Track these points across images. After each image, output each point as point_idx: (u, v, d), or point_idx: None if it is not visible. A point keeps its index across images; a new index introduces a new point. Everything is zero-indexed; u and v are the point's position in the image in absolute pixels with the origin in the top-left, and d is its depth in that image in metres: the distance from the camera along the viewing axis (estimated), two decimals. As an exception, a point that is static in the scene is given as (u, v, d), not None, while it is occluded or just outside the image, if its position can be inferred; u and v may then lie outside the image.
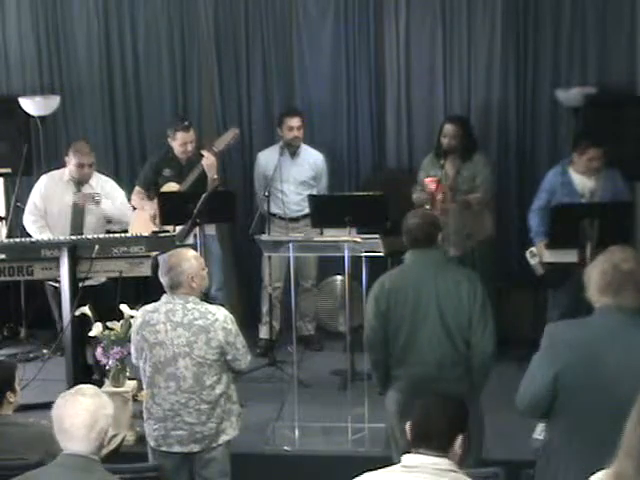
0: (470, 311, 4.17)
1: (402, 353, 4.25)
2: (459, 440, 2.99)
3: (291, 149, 6.63)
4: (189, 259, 4.23)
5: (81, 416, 2.94)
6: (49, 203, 6.19)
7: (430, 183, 6.10)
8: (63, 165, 6.24)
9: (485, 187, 6.34)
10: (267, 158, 6.69)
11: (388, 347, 4.27)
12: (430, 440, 2.96)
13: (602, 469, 2.50)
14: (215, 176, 6.36)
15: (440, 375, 4.17)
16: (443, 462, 2.94)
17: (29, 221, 6.22)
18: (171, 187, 6.40)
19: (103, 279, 5.92)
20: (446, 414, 3.02)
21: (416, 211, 4.66)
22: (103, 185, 6.21)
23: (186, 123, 6.49)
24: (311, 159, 6.71)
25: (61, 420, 2.96)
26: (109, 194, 6.20)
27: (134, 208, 6.49)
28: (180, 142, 6.42)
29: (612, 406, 3.10)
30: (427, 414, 3.04)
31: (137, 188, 6.58)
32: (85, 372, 5.83)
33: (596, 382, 3.19)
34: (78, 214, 6.15)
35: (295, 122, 6.57)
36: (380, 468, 2.99)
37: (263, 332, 6.76)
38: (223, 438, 4.26)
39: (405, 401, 4.21)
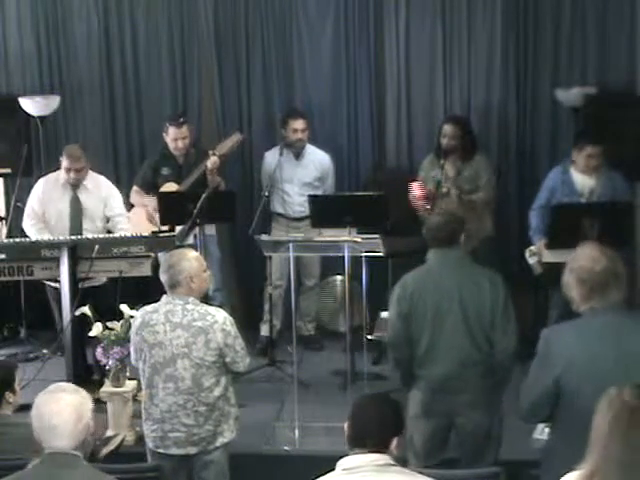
0: (493, 310, 4.18)
1: (425, 353, 4.24)
2: (394, 442, 2.95)
3: (295, 150, 6.63)
4: (189, 259, 4.23)
5: (66, 412, 2.94)
6: (47, 206, 6.14)
7: (416, 189, 6.13)
8: (59, 167, 6.20)
9: (488, 188, 6.35)
10: (272, 158, 6.68)
11: (411, 346, 4.27)
12: (364, 441, 2.93)
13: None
14: (218, 178, 6.36)
15: (463, 374, 4.18)
16: (382, 457, 2.90)
17: (28, 225, 6.18)
18: (170, 187, 6.40)
19: (104, 279, 5.91)
20: (380, 416, 2.98)
21: (438, 210, 4.66)
22: (100, 187, 6.14)
23: (181, 120, 6.49)
24: (317, 160, 6.70)
25: (47, 418, 2.94)
26: (107, 199, 6.13)
27: (132, 206, 6.49)
28: (171, 137, 6.44)
29: None
30: (361, 415, 3.02)
31: (135, 187, 6.58)
32: (85, 372, 5.84)
33: (596, 382, 3.19)
34: (76, 216, 6.12)
35: (299, 124, 6.56)
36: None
37: (264, 330, 6.75)
38: (221, 440, 4.25)
39: (428, 401, 4.21)
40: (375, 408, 3.03)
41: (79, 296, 5.49)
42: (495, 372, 4.23)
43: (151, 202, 6.36)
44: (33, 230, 6.13)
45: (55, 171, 6.24)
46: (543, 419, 3.46)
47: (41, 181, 6.26)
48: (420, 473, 2.99)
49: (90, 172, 6.14)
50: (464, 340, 4.19)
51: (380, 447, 2.92)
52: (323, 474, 2.99)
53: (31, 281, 6.11)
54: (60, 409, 2.94)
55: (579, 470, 2.44)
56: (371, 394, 3.31)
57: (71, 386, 3.10)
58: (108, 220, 6.15)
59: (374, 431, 2.94)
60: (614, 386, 3.07)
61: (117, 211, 6.15)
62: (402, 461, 3.05)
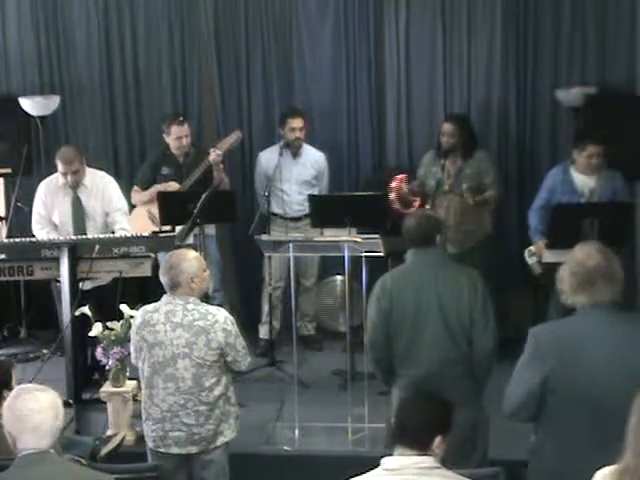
0: (471, 309, 4.18)
1: (405, 352, 4.25)
2: (437, 441, 2.94)
3: (293, 149, 6.63)
4: (189, 259, 4.23)
5: (48, 410, 2.94)
6: (51, 210, 6.12)
7: (395, 181, 6.21)
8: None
9: (496, 185, 6.36)
10: (268, 158, 6.69)
11: (390, 346, 4.27)
12: (405, 437, 2.93)
13: (602, 466, 2.51)
14: (225, 177, 6.37)
15: (443, 373, 4.17)
16: (426, 460, 2.89)
17: (37, 229, 6.15)
18: (171, 186, 6.40)
19: (109, 279, 5.88)
20: (423, 412, 2.98)
21: (415, 212, 4.66)
22: (97, 183, 6.11)
23: (181, 118, 6.49)
24: (313, 158, 6.71)
25: (29, 418, 2.92)
26: (107, 195, 6.10)
27: (133, 207, 6.49)
28: (174, 136, 6.43)
29: (600, 404, 3.12)
30: (405, 411, 3.02)
31: (135, 188, 6.58)
32: (85, 372, 5.84)
33: (583, 382, 3.20)
34: (79, 217, 6.10)
35: (297, 123, 6.56)
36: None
37: (263, 332, 6.76)
38: (221, 440, 4.25)
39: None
40: (419, 405, 3.03)
41: (79, 296, 5.48)
42: (474, 370, 4.23)
43: (151, 194, 6.36)
44: (42, 234, 6.09)
45: (54, 173, 6.22)
46: (527, 418, 3.46)
47: (42, 185, 6.22)
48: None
49: (87, 169, 6.10)
50: (444, 339, 4.19)
51: (421, 445, 2.91)
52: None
53: (31, 281, 6.11)
54: (41, 408, 2.94)
55: (613, 466, 2.44)
56: (419, 391, 3.28)
57: (39, 385, 3.09)
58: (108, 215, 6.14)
59: (416, 427, 2.94)
60: (603, 386, 3.09)
61: (114, 205, 6.10)
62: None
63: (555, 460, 3.30)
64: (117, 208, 6.11)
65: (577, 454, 3.13)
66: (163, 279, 4.24)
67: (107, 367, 5.16)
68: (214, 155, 6.31)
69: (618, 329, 3.27)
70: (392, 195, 6.25)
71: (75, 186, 6.04)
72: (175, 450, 4.22)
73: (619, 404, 2.45)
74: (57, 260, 5.59)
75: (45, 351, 6.42)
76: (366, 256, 5.50)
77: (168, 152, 6.54)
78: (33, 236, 6.05)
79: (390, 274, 4.40)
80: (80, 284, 5.60)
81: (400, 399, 3.07)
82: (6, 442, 3.02)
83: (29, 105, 6.94)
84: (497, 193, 6.39)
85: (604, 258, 3.31)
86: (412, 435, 2.93)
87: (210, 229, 6.34)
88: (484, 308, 4.20)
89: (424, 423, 2.95)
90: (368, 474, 2.92)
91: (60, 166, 5.98)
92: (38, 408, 2.94)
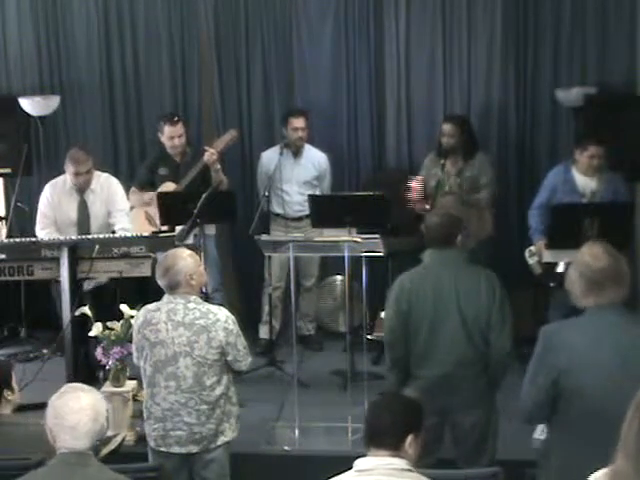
0: (489, 310, 4.19)
1: (422, 352, 4.25)
2: (408, 440, 2.93)
3: (294, 149, 6.63)
4: (184, 258, 4.23)
5: (86, 411, 2.94)
6: (57, 212, 6.13)
7: (413, 182, 6.20)
8: (63, 171, 6.16)
9: (491, 186, 6.36)
10: (270, 158, 6.68)
11: (408, 346, 4.27)
12: (376, 438, 2.93)
13: (601, 468, 2.51)
14: (223, 177, 6.36)
15: (459, 374, 4.19)
16: (398, 462, 2.88)
17: (39, 230, 6.16)
18: (168, 186, 6.40)
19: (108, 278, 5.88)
20: (393, 412, 2.97)
21: (437, 210, 4.64)
22: (104, 186, 6.15)
23: (175, 118, 6.49)
24: (314, 159, 6.71)
25: (67, 418, 2.93)
26: (110, 195, 6.13)
27: (131, 208, 6.49)
28: (167, 135, 6.44)
29: (609, 405, 3.11)
30: (375, 412, 3.02)
31: (133, 189, 6.57)
32: (86, 372, 5.83)
33: (594, 382, 3.20)
34: (84, 221, 6.10)
35: (300, 123, 6.56)
36: None
37: (263, 332, 6.76)
38: (222, 439, 4.26)
39: (423, 400, 4.21)
40: (387, 405, 3.03)
41: (79, 296, 5.48)
42: (490, 371, 4.24)
43: (151, 197, 6.36)
44: (43, 234, 6.10)
45: (54, 173, 6.21)
46: (543, 419, 3.47)
47: (47, 187, 6.23)
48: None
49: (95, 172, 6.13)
50: (462, 340, 4.19)
51: (392, 445, 2.91)
52: (323, 474, 2.99)
53: (31, 281, 6.11)
54: (80, 408, 2.94)
55: (606, 469, 2.44)
56: (385, 393, 3.29)
57: (85, 386, 3.09)
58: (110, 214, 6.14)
59: (386, 427, 2.93)
60: (612, 386, 3.08)
61: (117, 206, 6.13)
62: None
63: (564, 460, 3.30)
64: (119, 209, 6.13)
65: (585, 455, 3.12)
66: (161, 281, 4.24)
67: (107, 367, 5.16)
68: (208, 155, 6.31)
69: (625, 330, 3.27)
70: (413, 195, 6.24)
71: (85, 187, 6.04)
72: (176, 449, 4.22)
73: (625, 406, 2.44)
74: (57, 260, 5.59)
75: (45, 351, 6.42)
76: (366, 256, 5.50)
77: (165, 153, 6.54)
78: (33, 236, 6.04)
79: (407, 275, 4.37)
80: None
81: (370, 403, 3.08)
82: (24, 442, 3.03)
83: (29, 105, 6.94)
84: (492, 194, 6.38)
85: (612, 260, 3.32)
86: (383, 435, 2.93)
87: (210, 229, 6.33)
88: (501, 309, 4.21)
89: (393, 423, 2.95)
90: (341, 475, 2.92)
91: (71, 167, 5.98)
92: (77, 408, 2.93)
